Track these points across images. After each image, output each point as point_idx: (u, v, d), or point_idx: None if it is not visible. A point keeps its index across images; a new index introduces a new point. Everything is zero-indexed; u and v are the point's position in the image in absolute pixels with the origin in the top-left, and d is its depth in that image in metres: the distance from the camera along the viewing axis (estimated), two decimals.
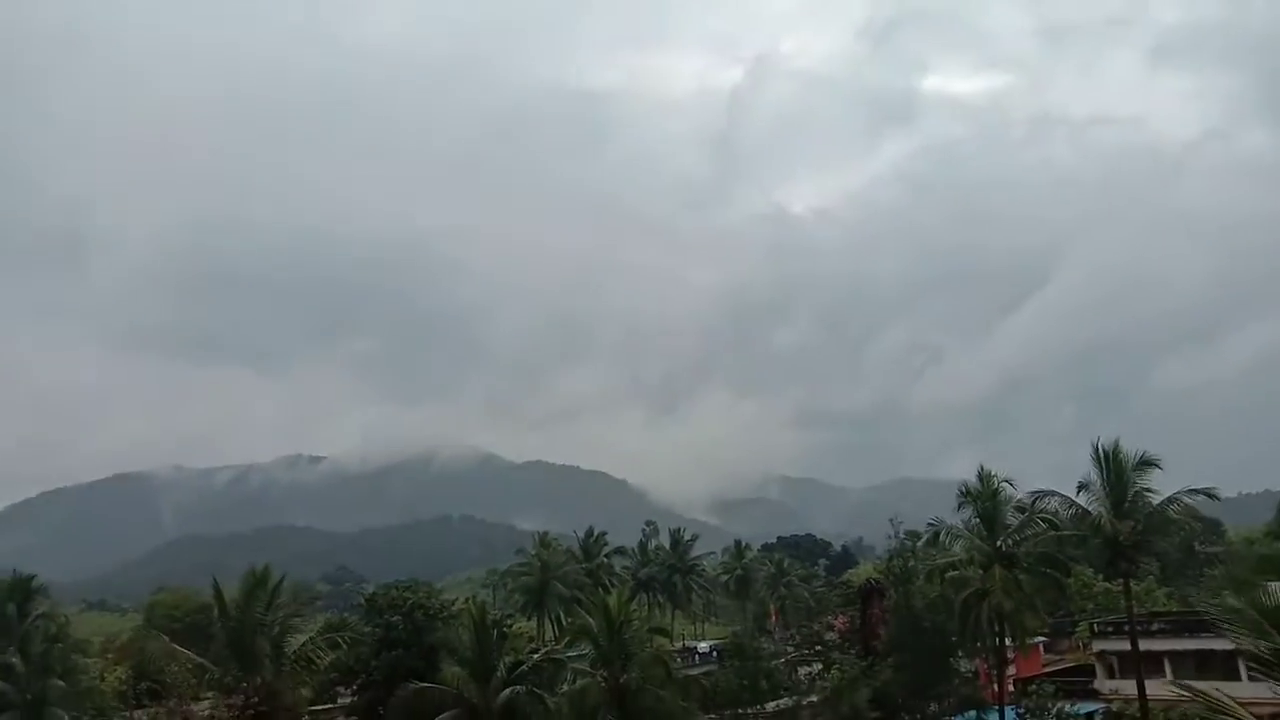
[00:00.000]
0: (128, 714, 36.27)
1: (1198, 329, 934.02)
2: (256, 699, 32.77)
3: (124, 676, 54.23)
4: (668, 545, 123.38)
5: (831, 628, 67.09)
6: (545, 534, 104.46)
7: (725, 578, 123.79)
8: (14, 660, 50.13)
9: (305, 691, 46.42)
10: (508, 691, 38.34)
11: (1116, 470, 44.32)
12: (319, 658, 41.46)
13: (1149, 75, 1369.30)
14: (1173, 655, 54.95)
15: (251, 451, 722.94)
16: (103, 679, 54.27)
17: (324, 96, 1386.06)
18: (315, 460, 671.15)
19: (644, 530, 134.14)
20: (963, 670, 50.41)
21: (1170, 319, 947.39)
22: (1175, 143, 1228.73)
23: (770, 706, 45.31)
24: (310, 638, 45.27)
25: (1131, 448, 45.19)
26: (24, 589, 76.66)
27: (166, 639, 43.07)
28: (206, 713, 30.57)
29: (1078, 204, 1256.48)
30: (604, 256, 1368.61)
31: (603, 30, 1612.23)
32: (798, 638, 72.10)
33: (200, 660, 37.29)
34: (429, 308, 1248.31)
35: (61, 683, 50.34)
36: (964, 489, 48.15)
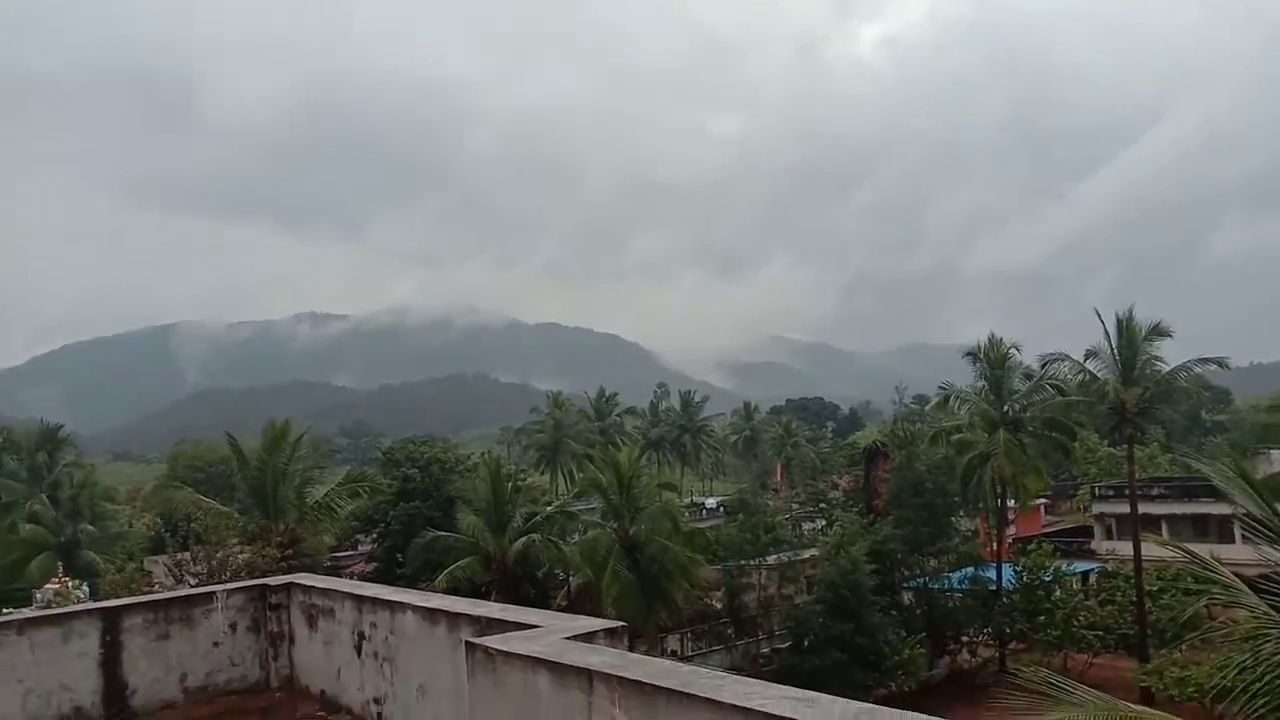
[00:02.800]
0: (163, 557, 37.73)
1: (1264, 192, 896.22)
2: (282, 543, 34.01)
3: (150, 523, 56.34)
4: (678, 406, 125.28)
5: (836, 487, 68.66)
6: (559, 394, 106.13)
7: (734, 438, 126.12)
8: (43, 507, 52.17)
9: (327, 539, 48.20)
10: (522, 540, 39.77)
11: (1128, 338, 44.27)
12: (340, 507, 42.84)
13: None
14: (1170, 519, 56.34)
15: (273, 308, 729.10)
16: (130, 525, 56.50)
17: None
18: (335, 318, 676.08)
19: (655, 392, 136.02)
20: (963, 529, 51.78)
21: (1236, 182, 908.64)
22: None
23: (772, 559, 46.85)
24: (331, 488, 46.74)
25: (1168, 314, 44.98)
26: (52, 438, 79.23)
27: (192, 489, 44.38)
28: (244, 558, 31.78)
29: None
30: (620, 108, 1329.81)
31: None
32: (802, 496, 73.94)
33: (225, 509, 38.55)
34: (437, 164, 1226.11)
35: (92, 527, 52.59)
36: (973, 353, 48.39)
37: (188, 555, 33.14)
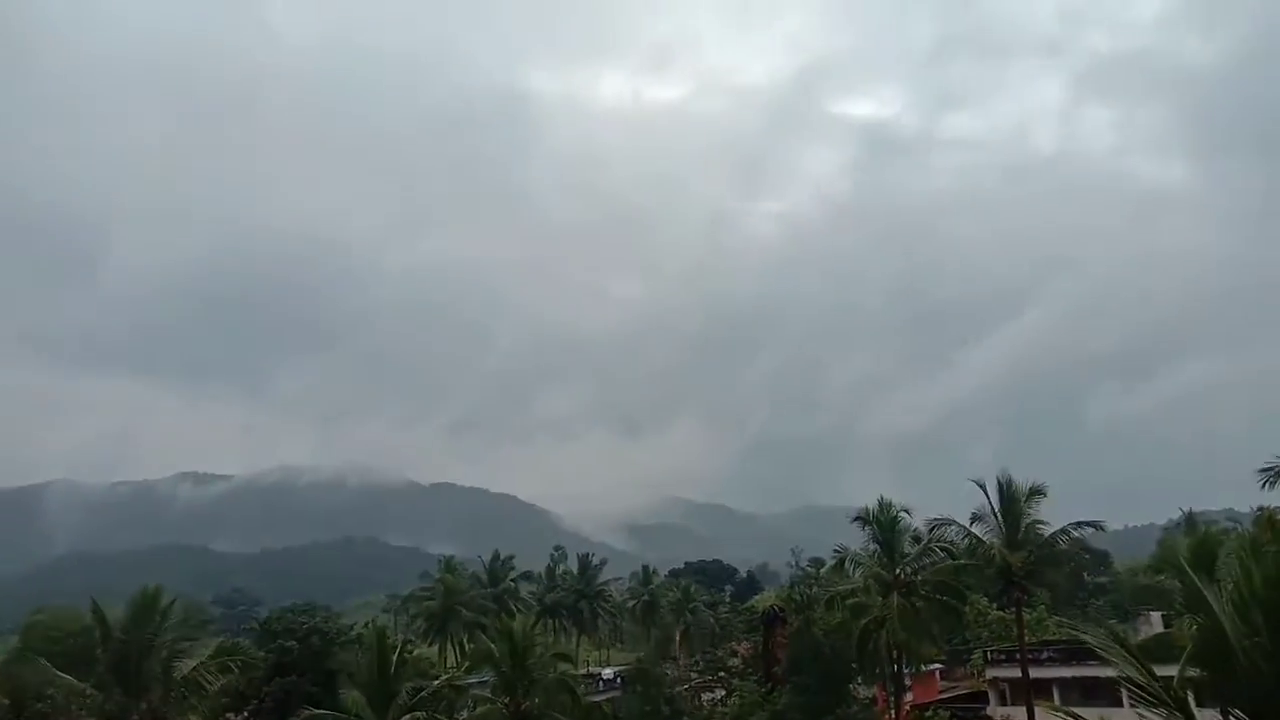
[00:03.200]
0: None
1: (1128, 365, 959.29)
2: None
3: None
4: (575, 570, 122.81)
5: (735, 654, 67.66)
6: (451, 558, 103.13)
7: (632, 603, 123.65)
8: None
9: (194, 717, 44.78)
10: (408, 717, 37.64)
11: (1010, 500, 45.85)
12: (209, 682, 40.05)
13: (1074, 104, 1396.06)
14: (1061, 682, 56.85)
15: (149, 468, 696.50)
16: None
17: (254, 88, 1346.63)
18: (216, 478, 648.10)
19: (552, 555, 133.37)
20: (861, 696, 51.25)
21: (1105, 353, 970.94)
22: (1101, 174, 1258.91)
23: None
24: (201, 661, 43.73)
25: (1047, 477, 46.78)
26: None
27: (45, 663, 40.94)
28: None
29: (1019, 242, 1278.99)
30: (527, 267, 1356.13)
31: (541, 37, 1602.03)
32: (701, 664, 72.48)
33: (81, 685, 35.63)
34: (343, 318, 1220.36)
35: None
36: (864, 515, 49.23)
37: None
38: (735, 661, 62.89)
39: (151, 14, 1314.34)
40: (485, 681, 46.85)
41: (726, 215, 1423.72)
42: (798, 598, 53.31)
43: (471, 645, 73.04)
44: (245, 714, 53.31)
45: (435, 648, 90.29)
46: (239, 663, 41.04)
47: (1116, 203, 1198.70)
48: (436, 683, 44.56)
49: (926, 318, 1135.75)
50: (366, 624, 52.59)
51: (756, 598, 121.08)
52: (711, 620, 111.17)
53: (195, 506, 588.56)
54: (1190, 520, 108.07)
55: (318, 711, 39.96)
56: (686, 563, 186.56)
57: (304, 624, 52.94)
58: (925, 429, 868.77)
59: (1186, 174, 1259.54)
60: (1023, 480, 46.55)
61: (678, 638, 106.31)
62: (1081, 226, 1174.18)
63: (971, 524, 46.16)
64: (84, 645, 60.15)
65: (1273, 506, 39.28)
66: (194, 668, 39.87)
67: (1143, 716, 14.89)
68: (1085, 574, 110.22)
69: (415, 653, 59.84)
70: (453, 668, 66.20)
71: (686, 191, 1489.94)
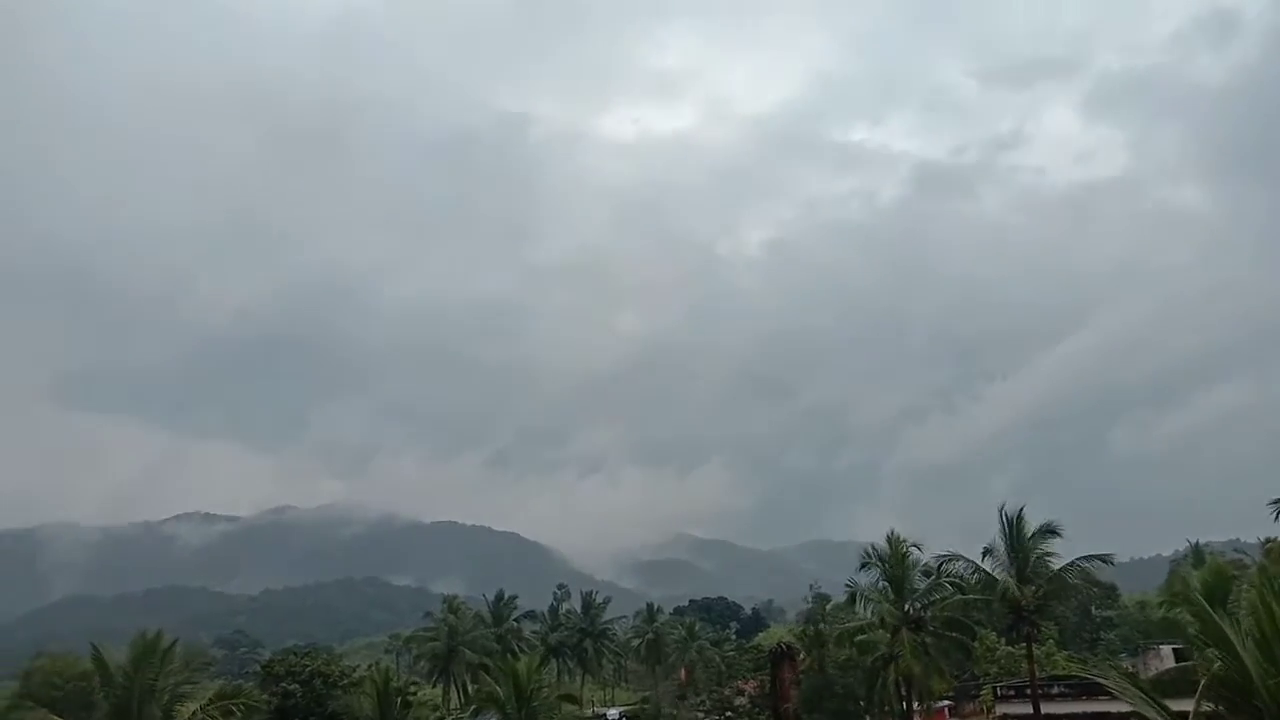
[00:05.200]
0: None
1: (1154, 398, 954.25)
2: None
3: None
4: (579, 608, 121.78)
5: (741, 692, 66.87)
6: (454, 597, 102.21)
7: (637, 642, 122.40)
8: None
9: None
10: None
11: (1019, 536, 45.60)
12: None
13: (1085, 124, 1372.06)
14: (1071, 718, 56.23)
15: (149, 509, 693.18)
16: None
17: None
18: (215, 519, 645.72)
19: (555, 593, 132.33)
20: None
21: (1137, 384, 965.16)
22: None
23: None
24: (201, 705, 43.20)
25: (1063, 508, 46.68)
26: None
27: (46, 711, 40.47)
28: None
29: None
30: (521, 299, 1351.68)
31: (546, 66, 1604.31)
32: (708, 703, 71.61)
33: None
34: (345, 357, 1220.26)
35: None
36: (870, 552, 48.84)
37: None
38: (742, 700, 62.10)
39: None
40: None
41: (732, 246, 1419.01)
42: (810, 634, 52.75)
43: (475, 686, 72.20)
44: None
45: (439, 689, 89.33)
46: (241, 706, 40.56)
47: (1139, 228, 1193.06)
48: None
49: (952, 352, 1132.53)
50: (370, 666, 52.09)
51: (762, 635, 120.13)
52: (718, 658, 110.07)
53: (196, 548, 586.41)
54: (1197, 551, 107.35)
55: None
56: (691, 600, 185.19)
57: (306, 666, 52.42)
58: (946, 463, 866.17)
59: (1206, 197, 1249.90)
60: (1038, 514, 46.35)
61: (683, 676, 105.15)
62: (1109, 255, 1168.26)
63: (983, 558, 45.85)
64: (84, 690, 59.61)
65: None
66: (195, 711, 39.40)
67: None
68: (1093, 608, 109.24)
69: (418, 695, 59.18)
70: (456, 709, 65.51)
71: (688, 223, 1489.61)
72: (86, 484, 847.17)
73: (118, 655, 38.39)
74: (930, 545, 50.33)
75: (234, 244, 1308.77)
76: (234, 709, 42.04)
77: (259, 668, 60.70)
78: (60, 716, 38.11)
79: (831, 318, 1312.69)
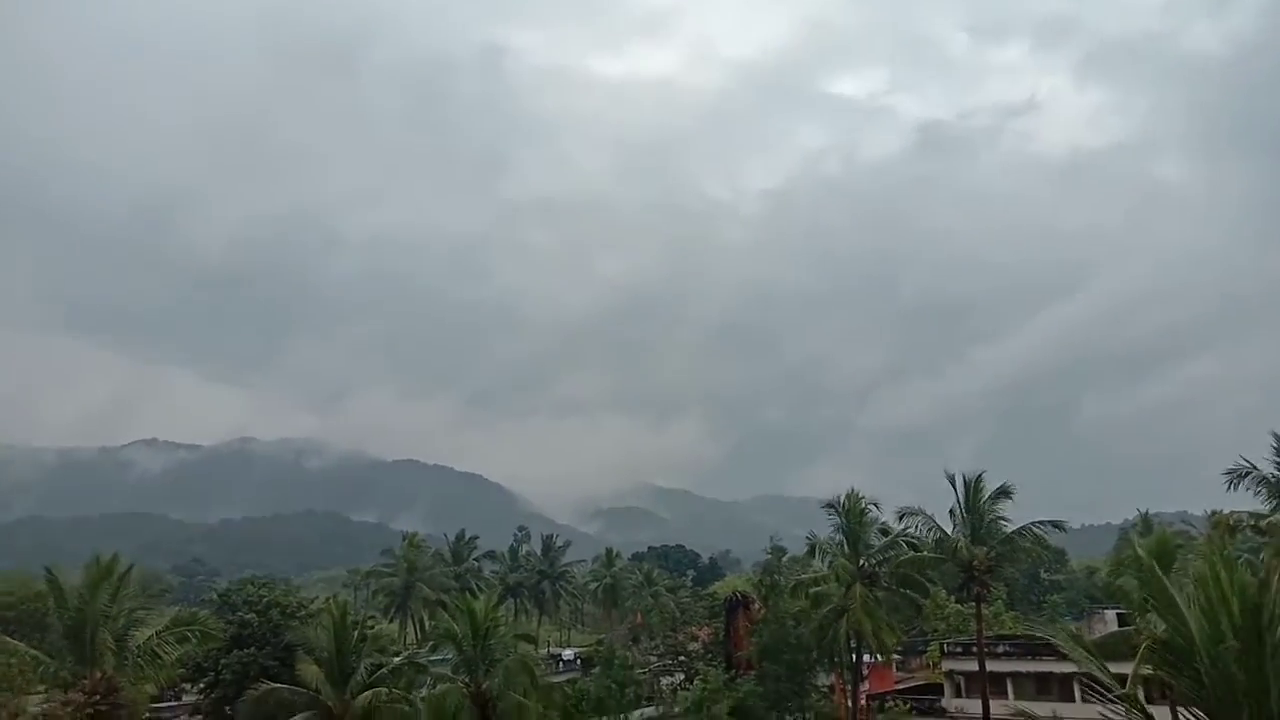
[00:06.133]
0: None
1: (1129, 367, 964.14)
2: (96, 695, 30.99)
3: None
4: (539, 551, 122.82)
5: (695, 638, 67.88)
6: (414, 535, 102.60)
7: (594, 585, 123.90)
8: None
9: (149, 688, 44.21)
10: (366, 694, 37.39)
11: (975, 498, 46.42)
12: (165, 653, 39.53)
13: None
14: (1015, 676, 57.73)
15: (107, 434, 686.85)
16: None
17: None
18: (175, 446, 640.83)
19: (516, 535, 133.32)
20: (819, 684, 51.66)
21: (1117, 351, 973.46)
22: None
23: (635, 715, 45.49)
24: (157, 631, 43.15)
25: (1024, 473, 47.61)
26: None
27: None
28: (40, 708, 28.69)
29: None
30: (500, 236, 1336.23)
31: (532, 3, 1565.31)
32: (661, 648, 72.68)
33: (34, 652, 35.02)
34: (318, 291, 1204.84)
35: None
36: (833, 505, 49.37)
37: None
38: (695, 646, 63.07)
39: None
40: (446, 660, 46.69)
41: (717, 192, 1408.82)
42: (765, 584, 53.52)
43: (433, 623, 72.81)
44: (202, 685, 52.84)
45: (396, 624, 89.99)
46: (197, 633, 40.59)
47: (1127, 196, 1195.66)
48: (397, 659, 44.37)
49: (938, 313, 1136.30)
50: (327, 599, 52.15)
51: (718, 584, 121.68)
52: (673, 605, 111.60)
53: (156, 475, 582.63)
54: (1146, 521, 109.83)
55: (275, 685, 39.61)
56: (650, 547, 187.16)
57: (263, 596, 52.48)
58: (918, 425, 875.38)
59: (1191, 169, 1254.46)
60: (1001, 477, 47.30)
61: (638, 620, 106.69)
62: (1096, 222, 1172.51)
63: (946, 520, 46.68)
64: (37, 611, 59.48)
65: (1227, 510, 39.92)
66: (150, 637, 39.34)
67: (1101, 713, 15.08)
68: (1043, 571, 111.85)
69: (375, 629, 59.58)
70: (413, 645, 66.00)
71: (671, 167, 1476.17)
72: (47, 407, 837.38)
73: (73, 578, 38.16)
74: (891, 506, 51.09)
75: (209, 173, 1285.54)
76: (189, 635, 42.03)
77: (216, 596, 60.71)
78: (10, 637, 37.95)
79: (817, 273, 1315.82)
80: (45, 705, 28.98)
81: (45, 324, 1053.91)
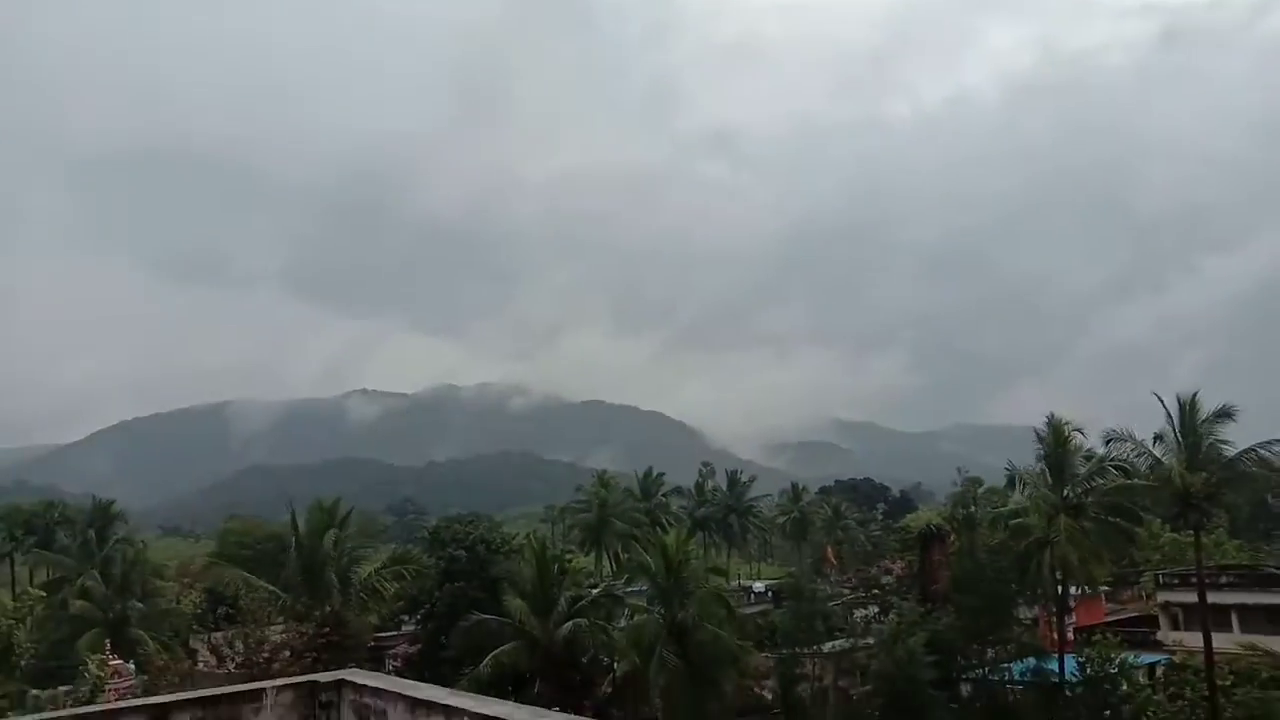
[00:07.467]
0: (205, 636, 37.67)
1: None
2: (326, 627, 33.76)
3: (199, 600, 56.34)
4: (724, 486, 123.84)
5: (889, 572, 66.98)
6: (604, 472, 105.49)
7: (782, 520, 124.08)
8: (94, 583, 52.52)
9: (371, 619, 47.79)
10: (568, 624, 39.03)
11: (1190, 420, 43.05)
12: (384, 588, 42.55)
13: None
14: (1241, 609, 53.94)
15: (322, 386, 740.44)
16: (179, 602, 56.58)
17: None
18: (387, 395, 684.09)
19: (701, 471, 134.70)
20: (1022, 618, 49.93)
21: None
22: None
23: (826, 647, 45.47)
24: (376, 569, 46.46)
25: (1252, 394, 43.54)
26: (104, 514, 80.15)
27: (239, 570, 44.45)
28: (280, 638, 31.57)
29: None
30: (669, 167, 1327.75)
31: None
32: (854, 581, 72.18)
33: (272, 588, 38.42)
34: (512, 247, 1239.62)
35: (141, 604, 52.73)
36: (1039, 435, 46.85)
37: (225, 634, 33.03)
38: (889, 580, 62.22)
39: None
40: (641, 591, 48.05)
41: (907, 107, 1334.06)
42: (959, 516, 51.89)
43: (626, 556, 74.95)
44: (418, 617, 56.55)
45: (591, 558, 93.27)
46: (411, 570, 43.39)
47: None
48: (595, 591, 46.05)
49: (1174, 220, 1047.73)
50: (527, 535, 54.53)
51: (910, 516, 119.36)
52: (863, 538, 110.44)
53: (365, 422, 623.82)
54: None
55: (484, 616, 41.92)
56: (837, 480, 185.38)
57: (470, 533, 55.22)
58: (1135, 344, 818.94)
59: None
60: (1227, 399, 43.47)
61: (828, 554, 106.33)
62: None
63: (1154, 444, 43.58)
64: (271, 550, 65.21)
65: None
66: (370, 574, 42.39)
67: None
68: (1270, 497, 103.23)
69: (573, 563, 62.02)
70: (608, 577, 68.26)
71: (851, 83, 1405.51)
72: (283, 365, 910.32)
73: (298, 520, 41.47)
74: (1097, 432, 48.04)
75: (442, 137, 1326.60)
76: (405, 572, 45.08)
77: (425, 534, 64.45)
78: (253, 574, 41.77)
79: (1031, 186, 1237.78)
80: (284, 635, 31.79)
81: (282, 289, 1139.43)
